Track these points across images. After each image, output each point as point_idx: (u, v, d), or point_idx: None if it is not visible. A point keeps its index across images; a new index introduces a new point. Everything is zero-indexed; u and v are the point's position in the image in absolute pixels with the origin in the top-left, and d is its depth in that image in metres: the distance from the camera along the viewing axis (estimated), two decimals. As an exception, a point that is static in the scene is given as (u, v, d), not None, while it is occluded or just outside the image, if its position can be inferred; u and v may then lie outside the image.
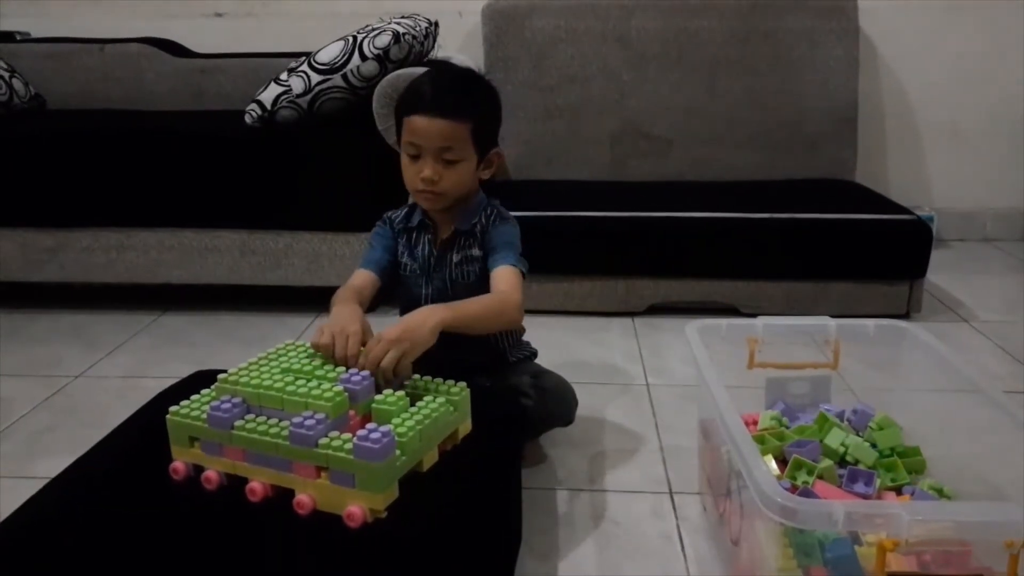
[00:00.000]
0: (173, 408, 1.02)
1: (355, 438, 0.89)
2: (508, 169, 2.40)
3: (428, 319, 1.10)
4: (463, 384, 1.08)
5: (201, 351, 1.95)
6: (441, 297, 1.32)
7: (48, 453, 1.48)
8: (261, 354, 1.09)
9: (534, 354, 1.48)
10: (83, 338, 2.03)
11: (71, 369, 1.85)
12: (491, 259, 1.31)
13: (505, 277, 1.27)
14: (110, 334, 2.04)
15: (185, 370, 1.34)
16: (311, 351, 1.10)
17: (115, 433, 1.17)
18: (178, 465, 1.01)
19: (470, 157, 1.26)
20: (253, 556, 0.88)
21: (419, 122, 1.22)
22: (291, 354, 1.09)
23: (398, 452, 0.92)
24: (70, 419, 1.62)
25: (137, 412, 1.23)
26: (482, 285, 1.30)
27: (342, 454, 0.89)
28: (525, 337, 1.49)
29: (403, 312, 1.40)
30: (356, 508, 0.89)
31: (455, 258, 1.34)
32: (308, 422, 0.91)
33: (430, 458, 1.00)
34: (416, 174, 1.24)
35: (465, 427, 1.08)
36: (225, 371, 1.04)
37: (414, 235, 1.36)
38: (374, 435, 0.88)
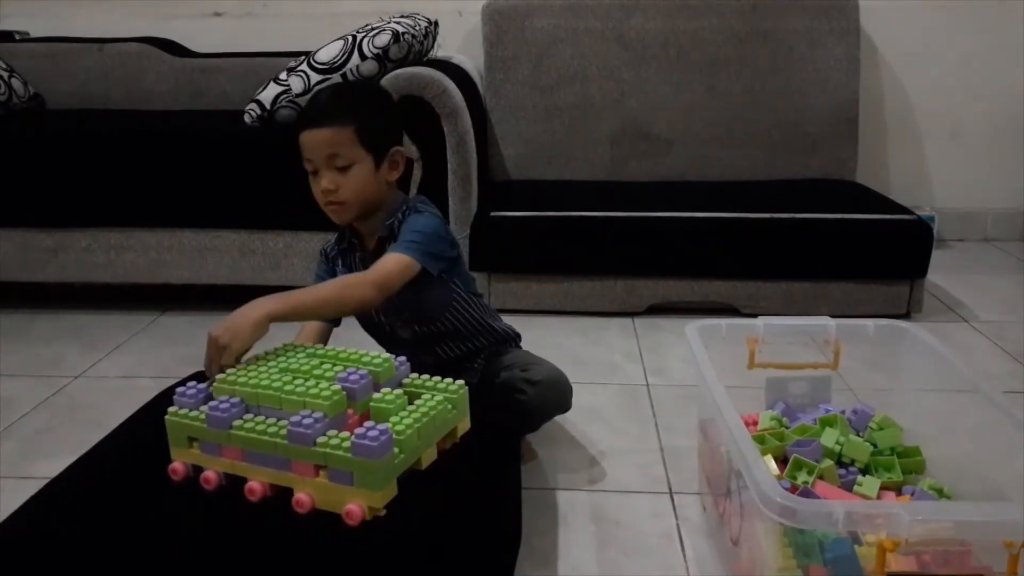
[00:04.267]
0: (172, 408, 1.02)
1: (353, 436, 0.89)
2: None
3: (252, 312, 1.08)
4: (461, 382, 1.08)
5: (201, 351, 1.92)
6: (389, 307, 1.30)
7: (48, 453, 1.48)
8: (259, 354, 1.09)
9: (518, 336, 1.48)
10: (83, 338, 2.02)
11: (71, 369, 1.85)
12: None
13: (381, 261, 1.22)
14: (110, 334, 2.04)
15: (185, 370, 1.34)
16: (310, 350, 1.10)
17: (115, 433, 1.17)
18: (177, 466, 1.01)
19: (362, 159, 1.24)
20: (253, 555, 0.88)
21: (305, 137, 1.23)
22: (289, 354, 1.09)
23: (396, 450, 0.92)
24: (70, 419, 1.62)
25: (137, 412, 1.23)
26: (419, 282, 1.25)
27: (340, 452, 0.89)
28: (524, 338, 1.48)
29: (365, 327, 1.41)
30: (355, 506, 0.89)
31: None
32: (306, 421, 0.91)
33: (429, 456, 0.99)
34: (318, 189, 1.25)
35: (464, 425, 1.07)
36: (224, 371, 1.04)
37: (347, 257, 1.37)
38: (372, 433, 0.88)
